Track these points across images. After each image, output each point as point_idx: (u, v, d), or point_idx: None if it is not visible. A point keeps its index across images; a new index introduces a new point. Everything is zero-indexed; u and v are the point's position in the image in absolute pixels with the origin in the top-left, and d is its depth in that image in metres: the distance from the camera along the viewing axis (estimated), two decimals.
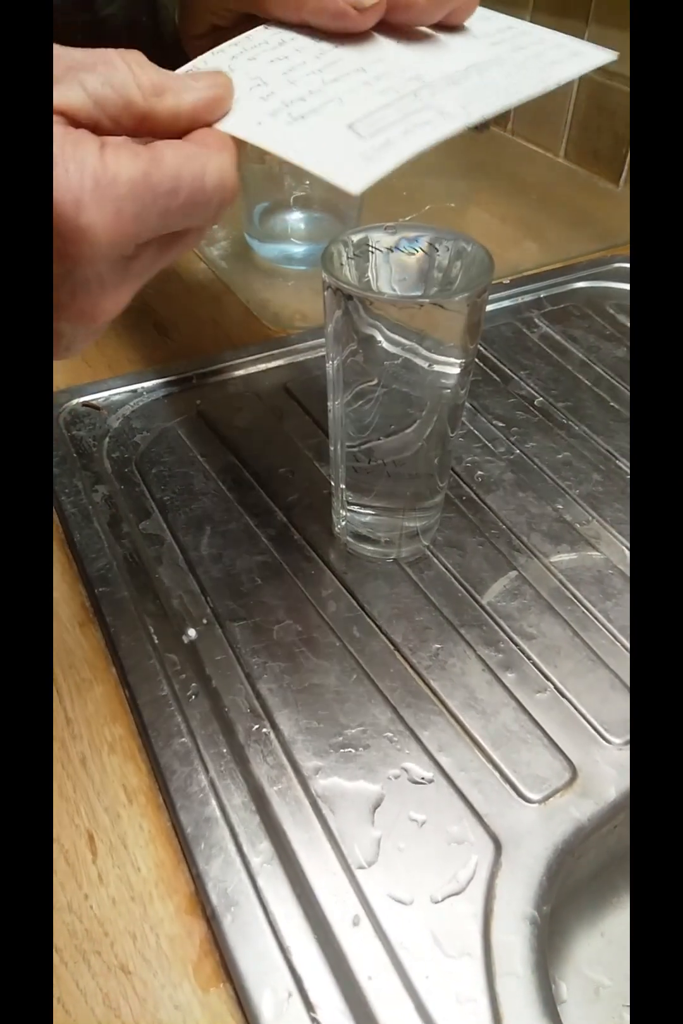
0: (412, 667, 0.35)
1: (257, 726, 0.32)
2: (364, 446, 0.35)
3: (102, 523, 0.40)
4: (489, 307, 0.58)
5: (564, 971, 0.33)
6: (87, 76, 0.22)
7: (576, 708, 0.33)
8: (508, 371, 0.53)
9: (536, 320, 0.59)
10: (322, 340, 0.52)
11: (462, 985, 0.26)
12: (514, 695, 0.34)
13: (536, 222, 0.72)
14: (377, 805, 0.30)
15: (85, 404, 0.48)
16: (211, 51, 0.28)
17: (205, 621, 0.36)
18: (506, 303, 0.60)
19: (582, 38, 0.80)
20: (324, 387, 0.37)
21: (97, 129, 0.22)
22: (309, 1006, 0.25)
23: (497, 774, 0.31)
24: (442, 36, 0.28)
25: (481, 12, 0.30)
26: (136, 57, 0.23)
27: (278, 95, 0.25)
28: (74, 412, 0.47)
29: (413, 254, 0.34)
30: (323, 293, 0.32)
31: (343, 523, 0.40)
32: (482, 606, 0.37)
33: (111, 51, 0.23)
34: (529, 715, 0.33)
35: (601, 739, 0.32)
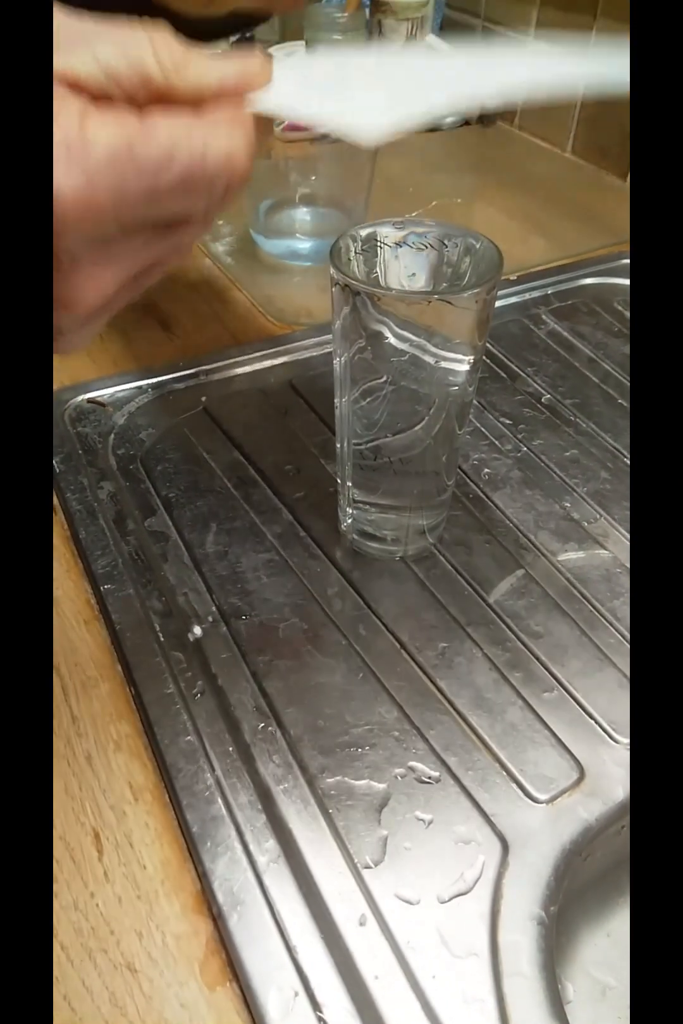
0: (419, 666, 0.35)
1: (263, 724, 0.32)
2: (371, 443, 0.35)
3: (107, 520, 0.40)
4: (496, 304, 0.58)
5: (571, 972, 0.33)
6: (101, 45, 0.20)
7: (583, 707, 0.33)
8: (515, 368, 0.53)
9: (543, 316, 0.58)
10: (328, 337, 0.52)
11: (469, 985, 0.26)
12: (521, 694, 0.34)
13: (543, 218, 0.72)
14: (384, 804, 0.30)
15: (90, 401, 0.48)
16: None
17: (211, 619, 0.36)
18: (513, 300, 0.60)
19: (590, 35, 0.79)
20: (330, 384, 0.36)
21: (107, 99, 0.20)
22: (315, 1005, 0.25)
23: (504, 774, 0.31)
24: (490, 57, 0.29)
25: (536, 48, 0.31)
26: (163, 32, 0.21)
27: (315, 80, 0.25)
28: (79, 409, 0.47)
29: (422, 248, 0.34)
30: (331, 289, 0.32)
31: (349, 521, 0.40)
32: (489, 605, 0.37)
33: (134, 25, 0.21)
34: (536, 714, 0.33)
35: (609, 739, 0.32)
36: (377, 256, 0.34)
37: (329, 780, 0.30)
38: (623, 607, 0.37)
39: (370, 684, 0.34)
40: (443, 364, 0.32)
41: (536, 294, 0.60)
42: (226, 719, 0.32)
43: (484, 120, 0.87)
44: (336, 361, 0.35)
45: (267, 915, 0.27)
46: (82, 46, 0.20)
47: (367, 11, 0.86)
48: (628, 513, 0.42)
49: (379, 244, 0.34)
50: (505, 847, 0.29)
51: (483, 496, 0.43)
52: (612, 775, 0.31)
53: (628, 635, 0.36)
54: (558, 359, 0.54)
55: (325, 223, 0.64)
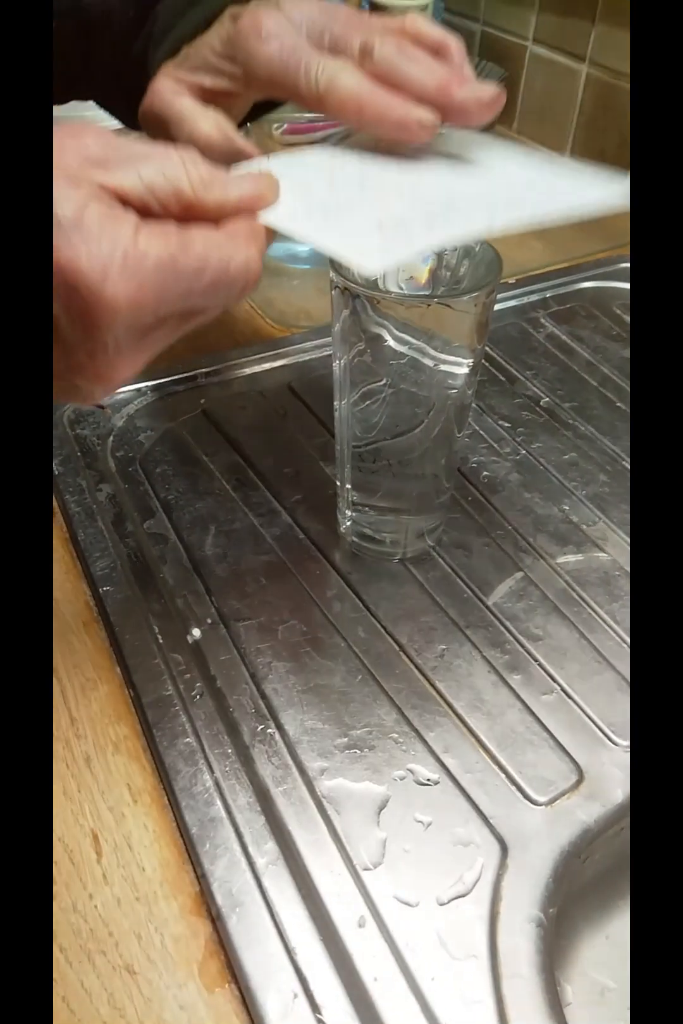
0: (418, 668, 0.35)
1: (262, 726, 0.32)
2: (370, 446, 0.35)
3: (106, 522, 0.40)
4: (495, 307, 0.58)
5: (569, 974, 0.33)
6: (143, 165, 0.24)
7: (582, 710, 0.33)
8: (514, 371, 0.53)
9: (542, 320, 0.58)
10: (326, 339, 0.52)
11: (468, 987, 0.26)
12: (520, 697, 0.34)
13: None
14: (383, 806, 0.30)
15: None
16: (266, 156, 0.30)
17: (210, 621, 0.36)
18: (512, 303, 0.60)
19: (588, 39, 0.79)
20: (329, 386, 0.37)
21: (147, 212, 0.24)
22: (315, 1007, 0.25)
23: (503, 776, 0.31)
24: (484, 163, 0.30)
25: (525, 150, 0.32)
26: (191, 153, 0.25)
27: (318, 197, 0.28)
28: (78, 411, 0.47)
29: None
30: (330, 292, 0.32)
31: (348, 523, 0.40)
32: (488, 607, 0.37)
33: (171, 147, 0.25)
34: (535, 717, 0.33)
35: (608, 741, 0.32)
36: None
37: (328, 782, 0.30)
38: (622, 610, 0.37)
39: (369, 686, 0.34)
40: (442, 367, 0.33)
41: (535, 297, 0.61)
42: (225, 721, 0.32)
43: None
44: (335, 364, 0.35)
45: (266, 917, 0.27)
46: (129, 165, 0.24)
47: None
48: (627, 516, 0.42)
49: None
50: (504, 849, 0.29)
51: (482, 499, 0.43)
52: (611, 777, 0.31)
53: (627, 638, 0.36)
54: (557, 362, 0.54)
55: None
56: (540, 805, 0.30)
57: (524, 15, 0.84)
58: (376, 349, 0.32)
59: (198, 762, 0.31)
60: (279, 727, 0.32)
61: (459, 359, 0.33)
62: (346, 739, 0.32)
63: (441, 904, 0.27)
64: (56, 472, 0.43)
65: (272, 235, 0.26)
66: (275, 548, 0.40)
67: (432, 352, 0.32)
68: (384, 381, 0.33)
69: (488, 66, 0.88)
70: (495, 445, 0.47)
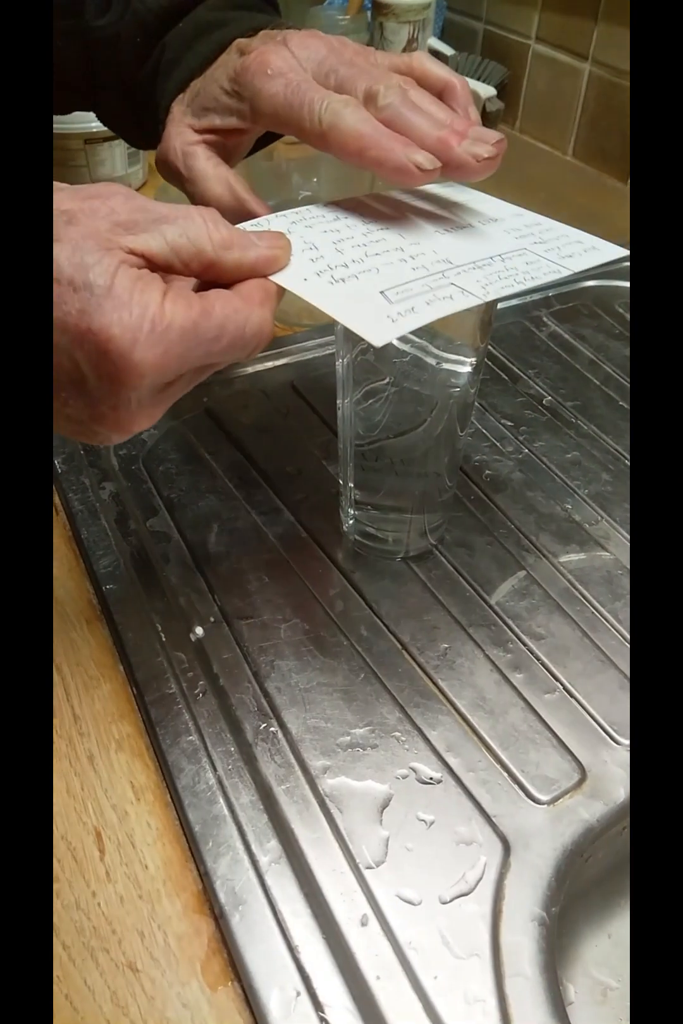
0: (420, 667, 0.35)
1: (265, 725, 0.32)
2: (373, 445, 0.35)
3: (109, 520, 0.40)
4: (498, 306, 0.58)
5: (572, 973, 0.33)
6: (168, 227, 0.25)
7: (585, 709, 0.33)
8: (517, 370, 0.53)
9: (545, 319, 0.58)
10: (329, 338, 0.52)
11: (471, 985, 0.26)
12: (523, 695, 0.34)
13: None
14: (385, 805, 0.30)
15: None
16: (275, 214, 0.31)
17: (212, 619, 0.36)
18: (514, 302, 0.60)
19: (591, 38, 0.79)
20: (331, 385, 0.36)
21: (170, 270, 0.25)
22: (317, 1005, 0.25)
23: (506, 775, 0.31)
24: (478, 226, 0.32)
25: (515, 209, 0.34)
26: (212, 214, 0.26)
27: (325, 259, 0.29)
28: None
29: None
30: None
31: (351, 522, 0.40)
32: (491, 606, 0.37)
33: (193, 208, 0.26)
34: (538, 716, 0.33)
35: (610, 740, 0.32)
36: None
37: (331, 780, 0.30)
38: (624, 609, 0.37)
39: (372, 685, 0.34)
40: (445, 366, 0.33)
41: (537, 296, 0.60)
42: (228, 719, 0.32)
43: (485, 123, 0.87)
44: (338, 362, 0.35)
45: (269, 915, 0.27)
46: (155, 228, 0.25)
47: (369, 14, 0.86)
48: (629, 515, 0.42)
49: None
50: (507, 848, 0.29)
51: (484, 497, 0.43)
52: (613, 776, 0.31)
53: (629, 637, 0.36)
54: (559, 361, 0.54)
55: None
56: (542, 804, 0.30)
57: (527, 14, 0.84)
58: (379, 348, 0.32)
59: (201, 760, 0.31)
60: (282, 725, 0.32)
61: (462, 358, 0.33)
62: (349, 737, 0.32)
63: (443, 903, 0.27)
64: (59, 471, 0.43)
65: (282, 293, 0.28)
66: (278, 546, 0.40)
67: (435, 351, 0.32)
68: (387, 380, 0.33)
69: (490, 65, 0.88)
70: (498, 444, 0.47)
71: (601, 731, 0.33)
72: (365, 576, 0.38)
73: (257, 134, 0.35)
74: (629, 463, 0.46)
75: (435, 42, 0.89)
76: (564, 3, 0.80)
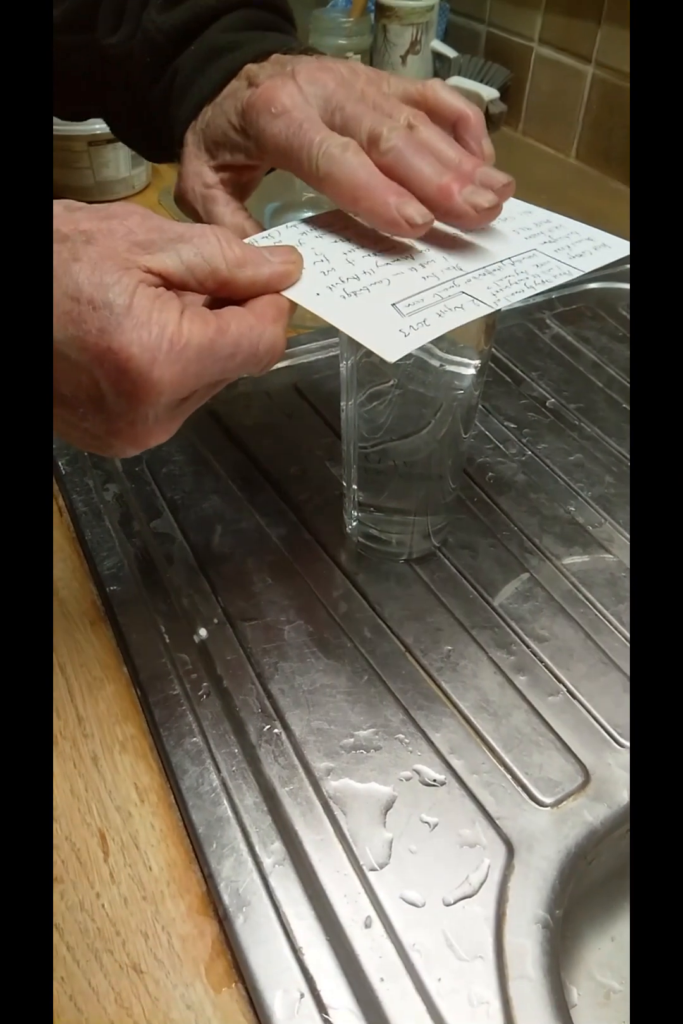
0: (424, 669, 0.35)
1: (268, 726, 0.32)
2: (377, 447, 0.35)
3: (113, 522, 0.40)
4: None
5: (575, 975, 0.33)
6: (183, 246, 0.26)
7: (588, 711, 0.33)
8: (520, 372, 0.53)
9: (548, 321, 0.58)
10: (332, 340, 0.52)
11: (474, 987, 0.26)
12: (526, 698, 0.34)
13: None
14: (389, 807, 0.30)
15: None
16: (286, 224, 0.31)
17: (216, 621, 0.36)
18: (518, 304, 0.59)
19: (594, 40, 0.79)
20: (334, 387, 0.37)
21: (186, 288, 0.26)
22: (321, 1007, 0.25)
23: (509, 777, 0.31)
24: (487, 227, 0.32)
25: (524, 206, 0.34)
26: (226, 233, 0.27)
27: (337, 271, 0.29)
28: None
29: None
30: None
31: (354, 524, 0.40)
32: (494, 608, 0.37)
33: (208, 228, 0.27)
34: (541, 718, 0.33)
35: (613, 742, 0.32)
36: None
37: (334, 782, 0.30)
38: (627, 611, 0.37)
39: (375, 686, 0.34)
40: (449, 368, 0.33)
41: (540, 298, 0.60)
42: (232, 720, 0.32)
43: (488, 125, 0.87)
44: (342, 364, 0.35)
45: (273, 917, 0.27)
46: (171, 248, 0.25)
47: (372, 16, 0.86)
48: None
49: None
50: (510, 850, 0.29)
51: (488, 500, 0.43)
52: (617, 779, 0.31)
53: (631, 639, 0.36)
54: (562, 363, 0.54)
55: None
56: (546, 806, 0.30)
57: (530, 16, 0.84)
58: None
59: (205, 761, 0.31)
60: (285, 727, 0.32)
61: (466, 360, 0.33)
62: (352, 739, 0.32)
63: (447, 905, 0.27)
64: (63, 472, 0.43)
65: (295, 306, 0.28)
66: (281, 548, 0.40)
67: (439, 353, 0.32)
68: (391, 382, 0.33)
69: (493, 67, 0.88)
70: (501, 446, 0.47)
71: (604, 734, 0.33)
72: (369, 578, 0.39)
73: (267, 168, 0.35)
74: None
75: (438, 44, 0.89)
76: (567, 5, 0.80)
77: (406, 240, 0.30)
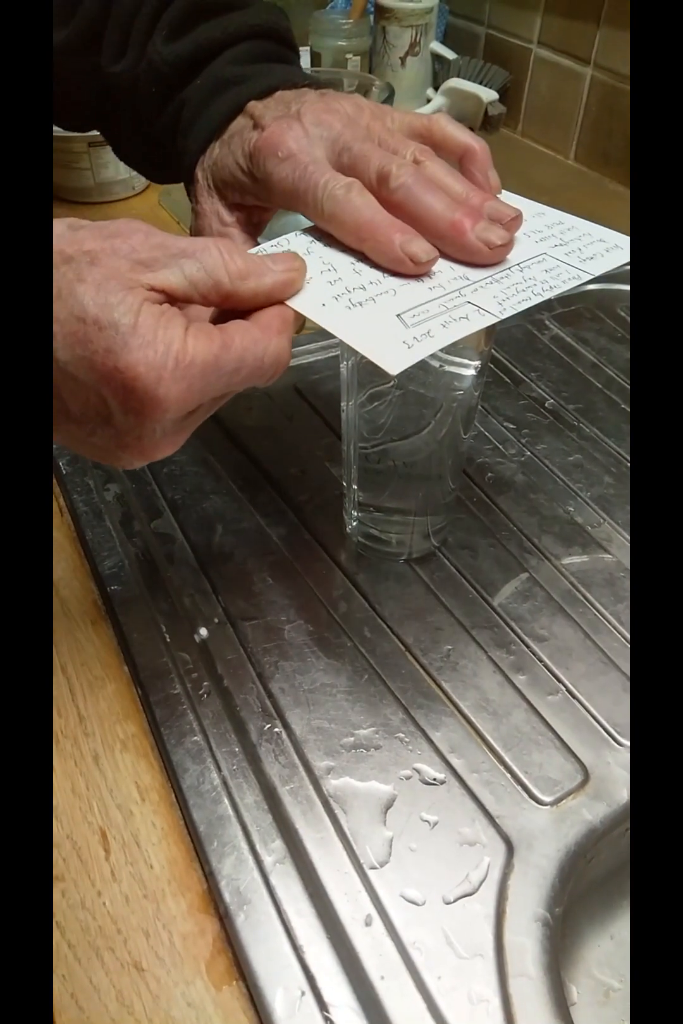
0: (423, 668, 0.35)
1: (269, 725, 0.32)
2: (377, 447, 0.35)
3: (114, 521, 0.40)
4: None
5: (574, 973, 0.33)
6: (186, 261, 0.26)
7: (588, 710, 0.33)
8: (519, 373, 0.53)
9: (547, 322, 0.59)
10: (332, 342, 0.52)
11: (474, 985, 0.26)
12: (526, 697, 0.34)
13: None
14: (389, 805, 0.30)
15: None
16: (295, 233, 0.31)
17: (216, 620, 0.36)
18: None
19: (593, 42, 0.79)
20: (334, 388, 0.37)
21: (190, 302, 0.26)
22: (322, 1005, 0.25)
23: (509, 776, 0.31)
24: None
25: (537, 208, 0.34)
26: (228, 245, 0.27)
27: (344, 281, 0.29)
28: None
29: None
30: None
31: (354, 524, 0.40)
32: (493, 608, 0.37)
33: (210, 240, 0.27)
34: (541, 717, 0.33)
35: (613, 741, 0.32)
36: None
37: (335, 781, 0.31)
38: (626, 611, 0.37)
39: (375, 686, 0.34)
40: (449, 369, 0.33)
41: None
42: (232, 720, 0.32)
43: (487, 127, 0.87)
44: (343, 365, 0.35)
45: (273, 915, 0.27)
46: (173, 263, 0.26)
47: (372, 18, 0.87)
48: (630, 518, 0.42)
49: None
50: (510, 849, 0.29)
51: (487, 500, 0.43)
52: (616, 777, 0.31)
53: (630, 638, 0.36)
54: (561, 364, 0.54)
55: None
56: (546, 805, 0.30)
57: (529, 18, 0.85)
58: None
59: (205, 760, 0.31)
60: (286, 726, 0.32)
61: (466, 361, 0.33)
62: (352, 738, 0.32)
63: (447, 903, 0.28)
64: (64, 472, 0.43)
65: (302, 317, 0.28)
66: (281, 548, 0.40)
67: (439, 354, 0.32)
68: (391, 383, 0.33)
69: (493, 69, 0.88)
70: (500, 446, 0.47)
71: (603, 732, 0.33)
72: (368, 578, 0.39)
73: (277, 209, 0.35)
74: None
75: (437, 46, 0.90)
76: (566, 7, 0.80)
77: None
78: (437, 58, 0.91)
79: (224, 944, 0.27)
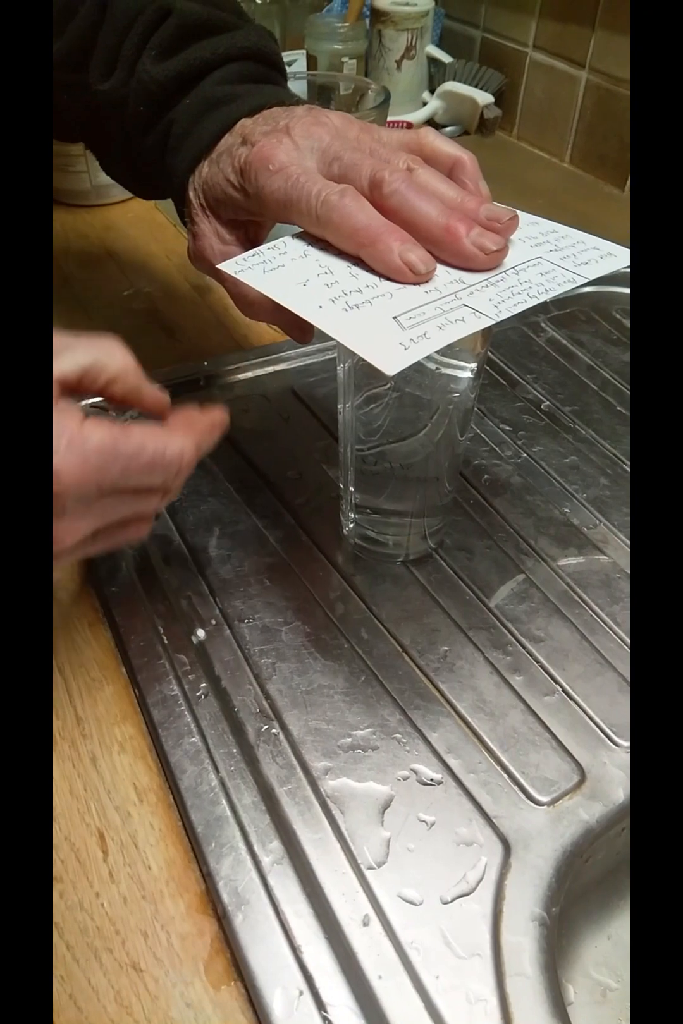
0: (420, 669, 0.35)
1: (266, 726, 0.32)
2: (374, 449, 0.35)
3: None
4: None
5: (571, 973, 0.33)
6: (77, 353, 0.27)
7: (584, 711, 0.34)
8: (515, 375, 0.53)
9: (543, 325, 0.59)
10: (329, 343, 0.52)
11: (472, 985, 0.26)
12: (522, 698, 0.34)
13: None
14: (386, 806, 0.30)
15: (93, 406, 0.48)
16: (292, 236, 0.31)
17: (214, 622, 0.36)
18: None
19: (588, 46, 0.80)
20: (331, 390, 0.37)
21: (80, 390, 0.28)
22: (320, 1005, 0.25)
23: (506, 776, 0.31)
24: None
25: (530, 218, 0.34)
26: (117, 349, 0.29)
27: (341, 284, 0.29)
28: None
29: None
30: None
31: (351, 525, 0.40)
32: (490, 609, 0.38)
33: (113, 343, 0.28)
34: (537, 718, 0.33)
35: (609, 742, 0.32)
36: None
37: (332, 782, 0.31)
38: (622, 612, 0.38)
39: (372, 687, 0.34)
40: (446, 371, 0.33)
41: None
42: (230, 721, 0.33)
43: (483, 130, 0.88)
44: (340, 367, 0.35)
45: (271, 915, 0.27)
46: (65, 352, 0.27)
47: (367, 22, 0.87)
48: (627, 519, 0.42)
49: None
50: (507, 849, 0.29)
51: (484, 501, 0.43)
52: (612, 777, 0.31)
53: (628, 640, 0.36)
54: (557, 366, 0.55)
55: None
56: (542, 805, 0.30)
57: (524, 21, 0.85)
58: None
59: (203, 761, 0.31)
60: (283, 727, 0.32)
61: (462, 363, 0.33)
62: (350, 739, 0.32)
63: (445, 903, 0.28)
64: None
65: (219, 430, 0.30)
66: (279, 550, 0.40)
67: (436, 356, 0.32)
68: (388, 385, 0.33)
69: (488, 72, 0.89)
70: (496, 448, 0.47)
71: (600, 733, 0.33)
72: (365, 579, 0.39)
73: (272, 223, 0.35)
74: (627, 468, 0.46)
75: (433, 49, 0.90)
76: (561, 11, 0.80)
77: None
78: (433, 61, 0.91)
79: (222, 944, 0.27)
